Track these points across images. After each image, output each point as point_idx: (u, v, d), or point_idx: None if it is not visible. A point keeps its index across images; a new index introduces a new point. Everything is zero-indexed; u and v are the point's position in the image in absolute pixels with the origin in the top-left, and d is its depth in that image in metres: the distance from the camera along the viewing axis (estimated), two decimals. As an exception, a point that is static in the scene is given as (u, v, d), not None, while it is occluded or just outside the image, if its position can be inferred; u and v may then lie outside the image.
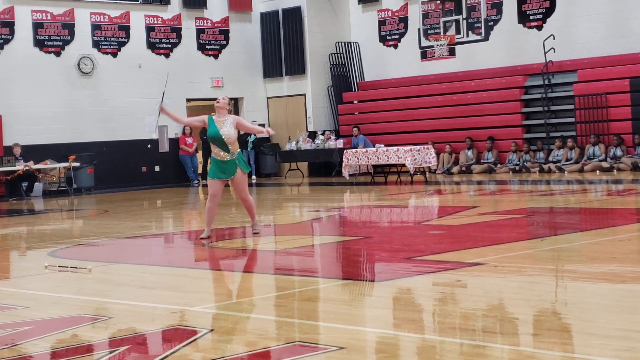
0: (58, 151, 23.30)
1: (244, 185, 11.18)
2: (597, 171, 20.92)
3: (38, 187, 22.96)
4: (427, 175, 21.79)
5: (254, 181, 25.65)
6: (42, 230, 14.74)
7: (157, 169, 25.70)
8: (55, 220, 16.94)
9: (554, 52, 22.89)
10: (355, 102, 27.21)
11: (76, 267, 9.13)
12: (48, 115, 23.64)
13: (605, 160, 21.32)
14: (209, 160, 28.03)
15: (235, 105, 27.99)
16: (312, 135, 25.71)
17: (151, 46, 25.68)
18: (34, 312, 7.13)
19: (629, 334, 5.46)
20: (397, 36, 26.76)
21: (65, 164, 22.84)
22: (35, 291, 8.20)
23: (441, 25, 22.33)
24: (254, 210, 11.47)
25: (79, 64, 24.27)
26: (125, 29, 25.19)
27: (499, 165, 23.20)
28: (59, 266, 9.33)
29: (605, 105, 21.90)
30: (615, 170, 20.77)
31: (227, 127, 10.94)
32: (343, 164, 21.71)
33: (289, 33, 27.22)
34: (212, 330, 6.10)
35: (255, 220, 11.54)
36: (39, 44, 23.76)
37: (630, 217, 12.40)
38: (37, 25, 23.72)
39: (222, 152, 10.97)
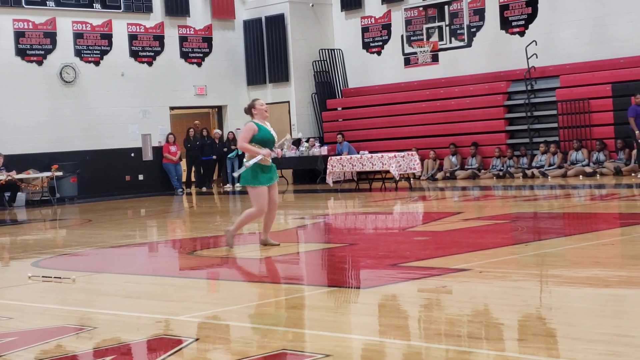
0: (41, 161, 23.20)
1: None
2: (580, 176, 21.00)
3: (21, 197, 22.84)
4: (411, 181, 21.81)
5: (237, 189, 25.62)
6: (25, 240, 14.67)
7: (140, 177, 25.63)
8: (38, 230, 16.87)
9: (537, 58, 22.98)
10: (339, 109, 27.23)
11: (60, 277, 9.09)
12: (30, 124, 23.55)
13: (588, 165, 21.41)
14: (193, 169, 27.94)
15: (219, 113, 28.00)
16: (297, 142, 25.72)
17: (134, 54, 25.63)
18: (18, 322, 7.08)
19: (613, 338, 5.47)
20: (380, 43, 26.81)
21: (48, 174, 22.76)
22: (19, 302, 8.15)
23: (424, 31, 22.39)
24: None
25: (61, 73, 24.20)
26: (108, 37, 25.13)
27: (482, 170, 23.26)
28: (43, 276, 9.28)
29: (588, 111, 21.99)
30: (598, 175, 20.86)
31: (271, 128, 10.77)
32: (327, 171, 21.70)
33: (273, 40, 27.22)
34: (197, 340, 6.08)
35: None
36: (21, 53, 23.68)
37: (614, 221, 12.46)
38: (19, 35, 23.63)
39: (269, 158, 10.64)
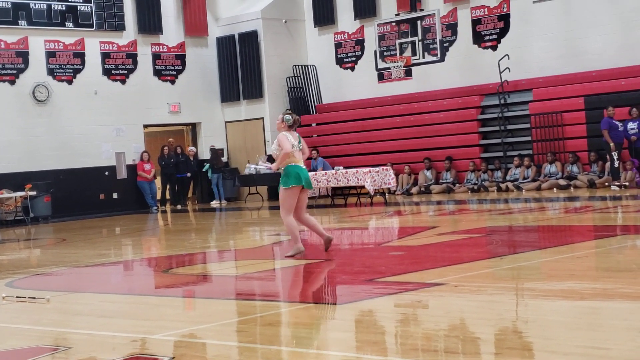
0: (14, 180, 23.05)
1: (281, 200, 11.30)
2: (554, 189, 21.12)
3: (-6, 216, 22.70)
4: (386, 196, 21.84)
5: (214, 205, 25.55)
6: (-1, 260, 14.55)
7: (115, 195, 25.52)
8: (12, 250, 16.74)
9: (509, 71, 23.13)
10: (314, 124, 27.27)
11: (34, 298, 9.02)
12: (3, 144, 23.40)
13: (562, 177, 21.53)
14: (168, 187, 27.90)
15: (193, 130, 27.96)
16: (271, 159, 25.64)
17: (107, 73, 25.55)
18: (-8, 344, 7.02)
19: (588, 350, 5.49)
20: (353, 58, 26.89)
21: (22, 193, 22.60)
22: (-7, 323, 8.08)
23: (397, 47, 22.46)
24: (293, 234, 11.11)
25: (34, 92, 24.08)
26: (80, 55, 25.05)
27: (457, 185, 23.33)
28: (17, 297, 9.21)
29: (561, 124, 22.14)
30: (572, 188, 20.97)
31: (274, 145, 11.47)
32: (302, 187, 21.64)
33: (246, 57, 27.24)
34: (173, 358, 6.05)
35: (297, 244, 11.08)
36: (-7, 72, 23.57)
37: (588, 234, 12.52)
38: (-9, 54, 23.52)
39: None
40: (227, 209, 24.42)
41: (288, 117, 11.40)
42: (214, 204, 26.04)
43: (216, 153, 26.59)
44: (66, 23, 24.73)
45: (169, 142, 26.54)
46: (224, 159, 27.46)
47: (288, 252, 11.14)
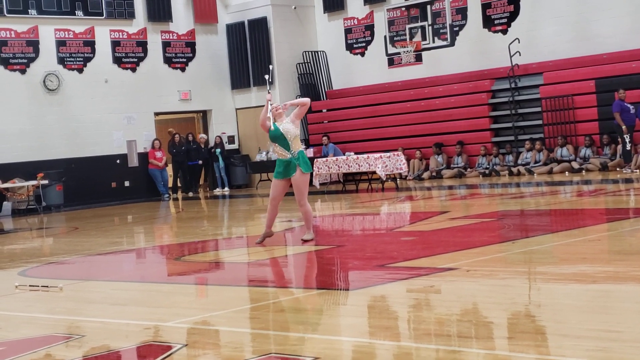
0: (26, 169, 23.11)
1: (302, 188, 11.14)
2: (566, 172, 21.07)
3: (7, 206, 22.76)
4: (398, 181, 21.83)
5: (226, 193, 25.60)
6: (11, 249, 14.62)
7: (126, 184, 25.56)
8: (25, 239, 16.80)
9: (520, 55, 23.04)
10: (324, 110, 27.24)
11: (47, 286, 9.06)
12: (15, 133, 23.46)
13: (574, 160, 21.48)
14: (179, 174, 27.86)
15: (204, 117, 27.97)
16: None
17: (117, 61, 25.56)
18: (6, 332, 7.06)
19: (601, 334, 5.49)
20: (363, 44, 26.84)
21: (34, 182, 22.67)
22: (6, 311, 8.12)
23: (407, 31, 22.42)
24: (310, 220, 11.27)
25: (44, 81, 24.11)
26: (91, 44, 25.06)
27: (469, 169, 23.30)
28: (30, 285, 9.25)
29: (572, 107, 22.07)
30: (584, 171, 20.92)
31: (285, 124, 11.24)
32: (314, 173, 21.69)
33: (256, 44, 27.21)
34: (186, 345, 6.07)
35: (311, 230, 11.32)
36: (4, 62, 23.59)
37: (600, 217, 12.49)
38: (1, 43, 23.53)
39: (283, 151, 11.16)
40: (239, 195, 24.44)
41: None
42: (218, 191, 26.06)
43: (222, 141, 26.70)
44: (76, 12, 24.73)
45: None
46: (235, 145, 27.49)
47: (305, 237, 11.23)
